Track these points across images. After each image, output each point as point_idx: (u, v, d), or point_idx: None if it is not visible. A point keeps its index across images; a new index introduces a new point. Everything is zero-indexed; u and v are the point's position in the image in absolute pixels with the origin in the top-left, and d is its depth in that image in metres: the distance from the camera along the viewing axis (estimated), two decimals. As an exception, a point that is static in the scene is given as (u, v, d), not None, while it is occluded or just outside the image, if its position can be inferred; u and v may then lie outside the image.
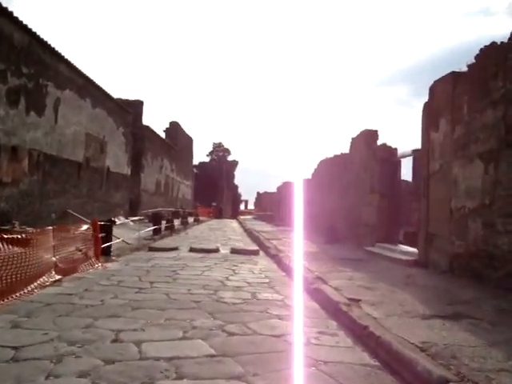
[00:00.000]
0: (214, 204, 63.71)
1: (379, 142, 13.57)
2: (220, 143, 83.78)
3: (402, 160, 12.71)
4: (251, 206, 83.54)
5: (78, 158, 17.01)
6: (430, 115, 9.72)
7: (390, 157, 12.87)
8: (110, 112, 20.78)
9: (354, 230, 14.63)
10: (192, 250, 13.52)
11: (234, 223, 38.37)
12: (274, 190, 54.48)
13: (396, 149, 12.99)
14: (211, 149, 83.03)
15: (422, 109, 10.18)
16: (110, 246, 11.24)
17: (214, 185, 67.33)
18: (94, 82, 18.31)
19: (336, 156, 17.65)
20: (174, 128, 42.58)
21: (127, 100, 28.19)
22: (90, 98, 18.16)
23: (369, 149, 13.69)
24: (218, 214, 56.67)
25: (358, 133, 14.66)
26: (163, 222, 20.47)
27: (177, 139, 42.28)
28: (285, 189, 33.96)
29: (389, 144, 13.17)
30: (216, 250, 13.71)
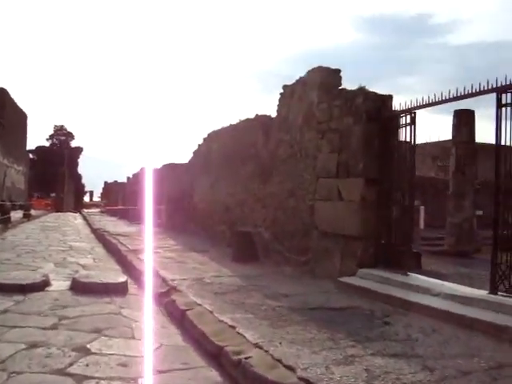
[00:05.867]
0: (54, 195, 54.85)
1: (350, 87, 7.67)
2: (62, 126, 74.38)
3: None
4: (96, 198, 75.37)
5: None
6: None
7: (380, 111, 7.03)
8: None
9: (295, 240, 8.60)
10: (-9, 285, 6.53)
11: (77, 219, 30.49)
12: (123, 179, 47.32)
13: (391, 96, 7.19)
14: (52, 132, 73.18)
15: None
16: None
17: (55, 173, 57.71)
18: None
19: (245, 121, 11.47)
20: (1, 96, 33.25)
21: None
22: None
23: (332, 98, 7.72)
24: (59, 207, 48.32)
25: (304, 74, 8.63)
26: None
27: (4, 112, 33.07)
28: (144, 177, 27.03)
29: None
30: (42, 285, 6.80)
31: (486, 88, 5.27)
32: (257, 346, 4.05)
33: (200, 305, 5.52)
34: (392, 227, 6.77)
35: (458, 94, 5.59)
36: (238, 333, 4.41)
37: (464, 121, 10.55)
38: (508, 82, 5.04)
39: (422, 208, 12.85)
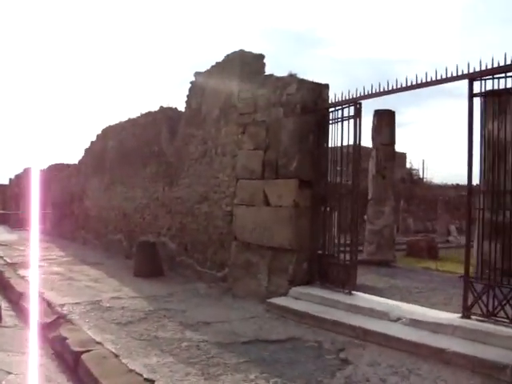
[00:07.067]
0: None
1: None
2: None
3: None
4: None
5: None
6: None
7: (316, 102, 6.05)
8: None
9: (208, 253, 7.40)
10: None
11: None
12: (5, 181, 43.62)
13: (327, 85, 6.22)
14: None
15: None
16: None
17: None
18: None
19: (147, 114, 10.09)
20: None
21: None
22: None
23: (256, 87, 6.63)
24: None
25: (222, 59, 7.46)
26: None
27: None
28: (27, 178, 24.46)
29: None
30: None
31: (455, 74, 4.41)
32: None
33: (100, 343, 4.19)
34: (331, 237, 5.80)
35: (419, 82, 4.69)
36: (158, 391, 3.17)
37: (385, 122, 9.92)
38: (484, 67, 4.21)
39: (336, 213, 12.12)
